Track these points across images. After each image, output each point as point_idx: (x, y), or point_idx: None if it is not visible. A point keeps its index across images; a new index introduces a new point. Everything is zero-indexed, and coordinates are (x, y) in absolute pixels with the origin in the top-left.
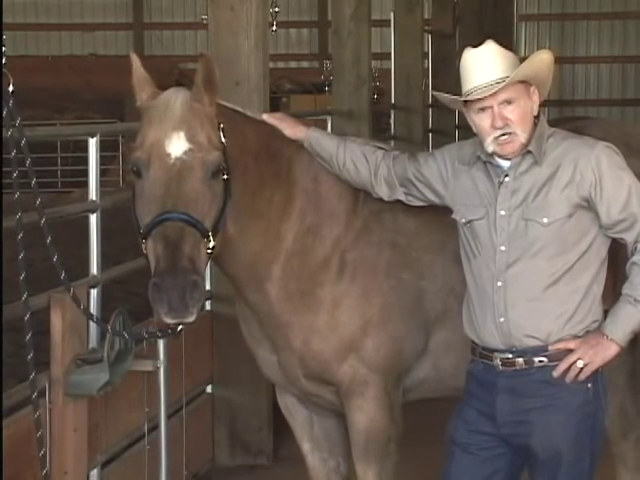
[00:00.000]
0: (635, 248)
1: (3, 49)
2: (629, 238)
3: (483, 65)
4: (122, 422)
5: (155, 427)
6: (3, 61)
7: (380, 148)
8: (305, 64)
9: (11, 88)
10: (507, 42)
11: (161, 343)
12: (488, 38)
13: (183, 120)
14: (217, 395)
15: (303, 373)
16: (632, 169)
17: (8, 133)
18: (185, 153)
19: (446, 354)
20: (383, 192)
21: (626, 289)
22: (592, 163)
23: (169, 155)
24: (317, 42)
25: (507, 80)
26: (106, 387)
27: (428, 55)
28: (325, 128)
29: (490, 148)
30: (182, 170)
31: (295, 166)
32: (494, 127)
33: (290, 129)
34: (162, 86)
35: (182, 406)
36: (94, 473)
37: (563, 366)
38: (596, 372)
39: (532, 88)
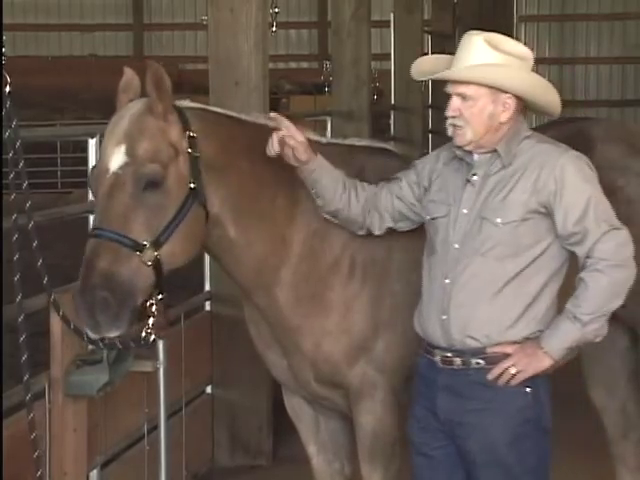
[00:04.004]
0: (585, 263)
1: (2, 49)
2: (580, 252)
3: (461, 51)
4: (122, 423)
5: (155, 428)
6: (2, 62)
7: (384, 149)
8: (305, 65)
9: (8, 89)
10: None
11: (161, 344)
12: None
13: (127, 134)
14: (217, 396)
15: (314, 376)
16: (635, 169)
17: (6, 134)
18: (120, 167)
19: None
20: (375, 224)
21: (569, 304)
22: (556, 171)
23: (107, 170)
24: (317, 43)
25: (444, 74)
26: (106, 388)
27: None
28: (325, 129)
29: (449, 131)
30: (114, 185)
31: (295, 168)
32: (447, 113)
33: (303, 148)
34: None
35: (182, 407)
36: (94, 474)
37: (497, 370)
38: (537, 376)
39: (504, 96)
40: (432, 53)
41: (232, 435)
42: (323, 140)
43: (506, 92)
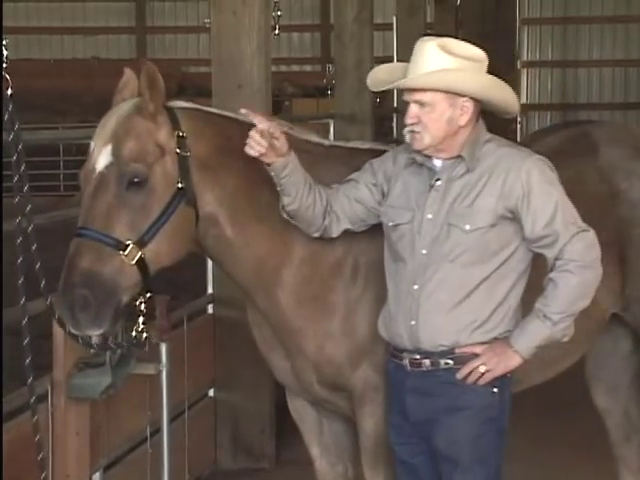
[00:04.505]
0: (554, 264)
1: (5, 53)
2: (549, 254)
3: (415, 58)
4: (124, 425)
5: (157, 430)
6: (4, 65)
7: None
8: (307, 68)
9: (10, 91)
10: (509, 46)
11: (163, 346)
12: (490, 42)
13: (113, 134)
14: (219, 398)
15: (317, 379)
16: (638, 172)
17: (10, 137)
18: (106, 167)
19: None
20: (333, 227)
21: (538, 303)
22: (522, 176)
23: (94, 170)
24: (319, 46)
25: (400, 83)
26: (109, 390)
27: None
28: (328, 132)
29: (406, 137)
30: (99, 185)
31: None
32: (405, 121)
33: (284, 139)
34: (165, 89)
35: (184, 409)
36: (96, 477)
37: (466, 370)
38: (504, 377)
39: (462, 99)
40: None
41: (235, 438)
42: (326, 142)
43: (463, 95)
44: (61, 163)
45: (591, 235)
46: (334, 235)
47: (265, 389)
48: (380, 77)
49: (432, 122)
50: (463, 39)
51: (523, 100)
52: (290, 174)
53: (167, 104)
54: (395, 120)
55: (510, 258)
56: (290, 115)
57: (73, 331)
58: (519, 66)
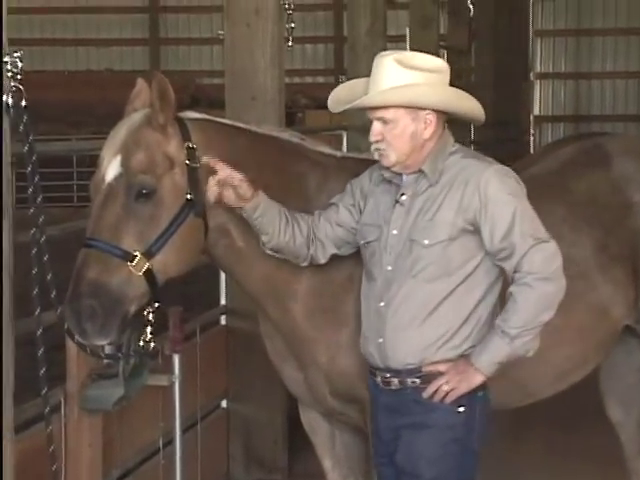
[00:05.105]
0: (512, 278)
1: (19, 64)
2: (507, 267)
3: (374, 75)
4: (137, 437)
5: (170, 442)
6: (19, 77)
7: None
8: (321, 79)
9: (24, 103)
10: (523, 57)
11: (176, 358)
12: (504, 53)
13: (123, 145)
14: (232, 410)
15: (329, 390)
16: None
17: (25, 148)
18: (115, 178)
19: None
20: (319, 254)
21: (498, 319)
22: (480, 187)
23: (103, 180)
24: (332, 57)
25: (359, 102)
26: (121, 402)
27: None
28: (341, 143)
29: (375, 155)
30: (108, 195)
31: (308, 182)
32: (370, 139)
33: (246, 185)
34: (178, 101)
35: (197, 421)
36: None
37: (431, 389)
38: (473, 396)
39: (424, 112)
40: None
41: (247, 449)
42: (338, 154)
43: (425, 109)
44: (74, 174)
45: (551, 246)
46: (322, 262)
47: (278, 400)
48: (341, 97)
49: (396, 139)
50: (476, 51)
51: (536, 112)
52: (263, 214)
53: (178, 115)
54: None
55: (475, 271)
56: (303, 127)
57: (80, 341)
58: (532, 78)
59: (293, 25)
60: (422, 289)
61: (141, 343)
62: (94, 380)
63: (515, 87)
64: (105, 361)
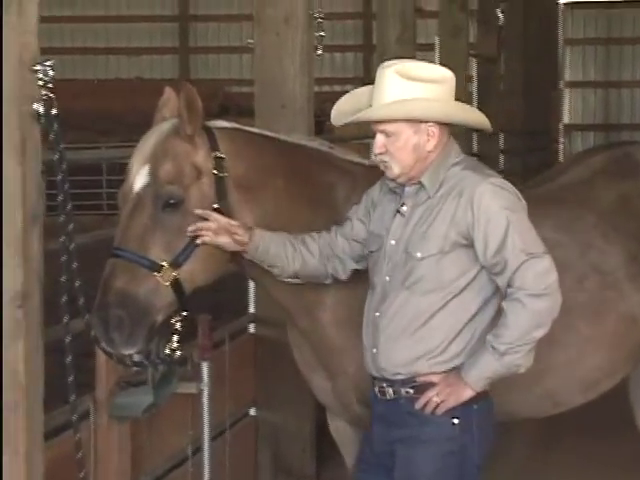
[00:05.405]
0: (505, 293)
1: (51, 73)
2: (500, 282)
3: (376, 87)
4: (166, 444)
5: (198, 449)
6: (49, 85)
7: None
8: (349, 88)
9: (55, 111)
10: (552, 66)
11: (205, 366)
12: (533, 62)
13: (151, 155)
14: (260, 418)
15: (357, 398)
16: None
17: (55, 156)
18: (142, 188)
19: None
20: (339, 271)
21: (489, 335)
22: (474, 200)
23: (132, 190)
24: (362, 66)
25: (361, 115)
26: (151, 409)
27: (473, 79)
28: (369, 152)
29: (380, 166)
30: (135, 205)
31: (337, 192)
32: (373, 151)
33: (241, 230)
34: (206, 109)
35: (225, 429)
36: None
37: (422, 400)
38: (468, 407)
39: (426, 125)
40: (477, 77)
41: (275, 457)
42: (367, 162)
43: (427, 121)
44: (104, 182)
45: (545, 261)
46: (343, 278)
47: (306, 409)
48: (344, 109)
49: (398, 151)
50: (506, 59)
51: (566, 120)
52: (266, 251)
53: (206, 124)
54: None
55: (469, 286)
56: (332, 135)
57: (107, 349)
58: (562, 86)
59: (323, 34)
60: (415, 301)
61: (167, 351)
62: (123, 388)
63: (545, 95)
64: (134, 369)
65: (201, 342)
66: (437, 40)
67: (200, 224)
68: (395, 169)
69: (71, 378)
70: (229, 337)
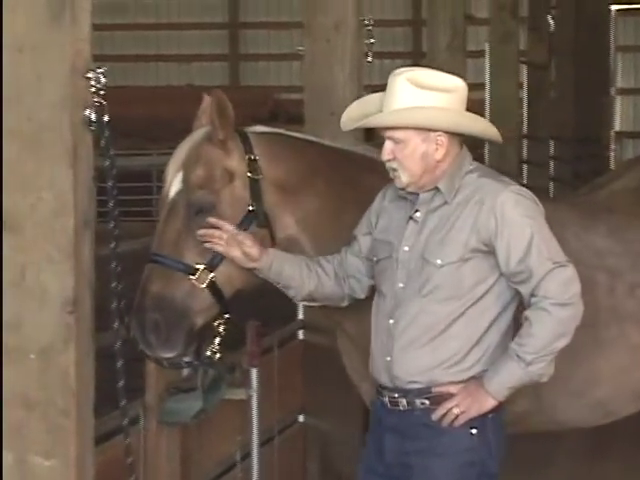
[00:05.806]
0: (529, 302)
1: (103, 80)
2: (524, 291)
3: (387, 94)
4: (215, 450)
5: (247, 455)
6: (101, 92)
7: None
8: None
9: (106, 118)
10: (603, 73)
11: (254, 372)
12: (584, 69)
13: (184, 161)
14: (309, 424)
15: None
16: None
17: (106, 163)
18: (177, 194)
19: (545, 387)
20: (357, 290)
21: (513, 343)
22: (496, 208)
23: (167, 196)
24: None
25: (370, 121)
26: (200, 415)
27: (523, 85)
28: None
29: (390, 173)
30: (170, 211)
31: None
32: (382, 158)
33: (250, 242)
34: (256, 116)
35: (274, 435)
36: None
37: (440, 411)
38: (484, 417)
39: (435, 134)
40: (528, 84)
41: (324, 465)
42: None
43: (436, 130)
44: (154, 189)
45: (569, 271)
46: (362, 296)
47: (355, 415)
48: (354, 114)
49: (406, 159)
50: (556, 66)
51: (617, 127)
52: (280, 271)
53: (241, 129)
54: (486, 148)
55: (487, 294)
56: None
57: (147, 352)
58: (613, 93)
59: (372, 40)
60: (432, 309)
61: (208, 353)
62: (172, 393)
63: (596, 102)
64: (183, 372)
65: (250, 348)
66: (487, 47)
67: (211, 230)
68: (403, 178)
69: (121, 383)
70: (278, 343)
